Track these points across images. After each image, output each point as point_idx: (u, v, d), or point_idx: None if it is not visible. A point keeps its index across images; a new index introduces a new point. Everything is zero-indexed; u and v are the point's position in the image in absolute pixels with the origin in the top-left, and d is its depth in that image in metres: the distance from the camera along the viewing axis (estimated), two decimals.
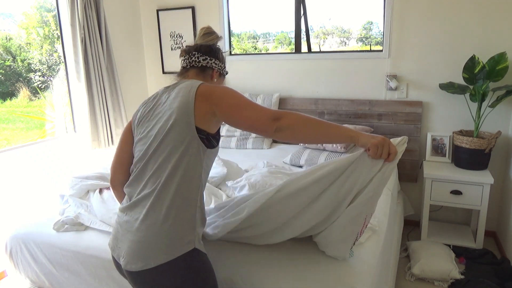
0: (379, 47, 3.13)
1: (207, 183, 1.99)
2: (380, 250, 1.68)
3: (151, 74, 3.82)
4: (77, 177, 2.26)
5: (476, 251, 2.54)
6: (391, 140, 1.26)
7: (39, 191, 2.74)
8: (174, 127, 1.20)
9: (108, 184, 2.09)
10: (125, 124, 3.26)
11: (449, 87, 2.65)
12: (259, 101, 3.17)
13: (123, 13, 3.45)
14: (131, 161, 1.35)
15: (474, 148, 2.54)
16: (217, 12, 3.38)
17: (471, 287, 2.17)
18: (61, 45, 2.99)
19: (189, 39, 3.52)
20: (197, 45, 1.42)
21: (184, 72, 1.43)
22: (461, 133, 2.74)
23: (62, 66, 3.07)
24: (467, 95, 2.64)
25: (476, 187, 2.51)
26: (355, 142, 1.20)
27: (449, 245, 2.60)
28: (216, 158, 2.35)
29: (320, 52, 3.34)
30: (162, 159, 1.19)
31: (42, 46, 3.22)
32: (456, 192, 2.57)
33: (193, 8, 3.44)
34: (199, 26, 3.47)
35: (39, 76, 3.19)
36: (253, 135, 3.16)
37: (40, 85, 3.20)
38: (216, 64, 1.42)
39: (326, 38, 3.43)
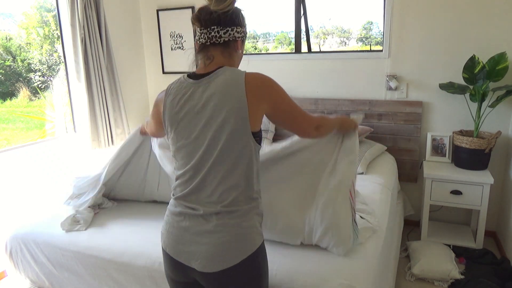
0: (379, 47, 3.13)
1: None
2: (380, 250, 1.68)
3: (151, 74, 3.82)
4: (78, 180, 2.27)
5: (476, 251, 2.54)
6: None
7: (39, 191, 2.74)
8: (232, 136, 1.17)
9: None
10: (125, 124, 3.27)
11: (449, 87, 2.65)
12: None
13: (123, 13, 3.45)
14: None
15: (474, 148, 2.54)
16: None
17: (471, 287, 2.17)
18: (61, 45, 2.99)
19: (189, 39, 3.52)
20: (214, 17, 1.20)
21: (204, 50, 1.25)
22: (461, 133, 2.74)
23: (62, 66, 3.07)
24: (467, 95, 2.64)
25: (476, 187, 2.51)
26: (342, 126, 1.56)
27: (449, 245, 2.60)
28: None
29: (320, 52, 3.34)
30: (226, 168, 1.18)
31: (42, 46, 3.22)
32: (456, 192, 2.57)
33: (193, 8, 3.44)
34: None
35: (39, 76, 3.19)
36: None
37: (40, 85, 3.20)
38: (238, 32, 1.24)
39: (326, 38, 3.43)
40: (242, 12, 1.29)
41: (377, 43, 3.18)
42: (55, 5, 2.92)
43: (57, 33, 3.08)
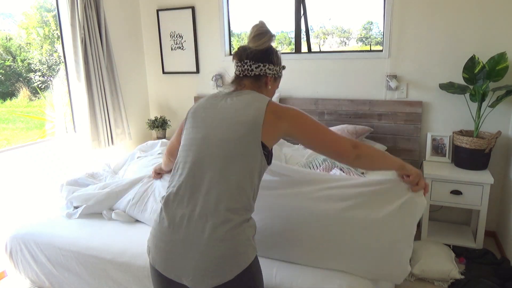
0: (379, 47, 3.13)
1: None
2: None
3: (151, 74, 3.82)
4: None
5: (476, 251, 2.54)
6: None
7: (39, 191, 2.74)
8: (241, 141, 1.18)
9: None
10: (125, 124, 3.27)
11: (449, 87, 2.65)
12: None
13: (123, 13, 3.45)
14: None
15: (474, 148, 2.54)
16: (217, 12, 3.38)
17: (471, 287, 2.17)
18: (61, 45, 3.00)
19: (189, 39, 3.52)
20: (248, 51, 1.33)
21: (238, 81, 1.37)
22: (461, 133, 2.74)
23: (62, 66, 3.07)
24: (467, 95, 2.64)
25: (476, 187, 2.51)
26: (403, 168, 1.39)
27: (449, 245, 2.60)
28: None
29: (320, 52, 3.34)
30: (229, 172, 1.18)
31: (42, 46, 3.22)
32: (456, 192, 2.57)
33: (193, 8, 3.44)
34: (199, 26, 3.47)
35: (39, 76, 3.18)
36: None
37: (40, 85, 3.20)
38: (270, 69, 1.35)
39: (326, 38, 3.43)
40: (278, 52, 1.39)
41: (377, 43, 3.18)
42: (55, 5, 2.92)
43: (57, 33, 3.08)
